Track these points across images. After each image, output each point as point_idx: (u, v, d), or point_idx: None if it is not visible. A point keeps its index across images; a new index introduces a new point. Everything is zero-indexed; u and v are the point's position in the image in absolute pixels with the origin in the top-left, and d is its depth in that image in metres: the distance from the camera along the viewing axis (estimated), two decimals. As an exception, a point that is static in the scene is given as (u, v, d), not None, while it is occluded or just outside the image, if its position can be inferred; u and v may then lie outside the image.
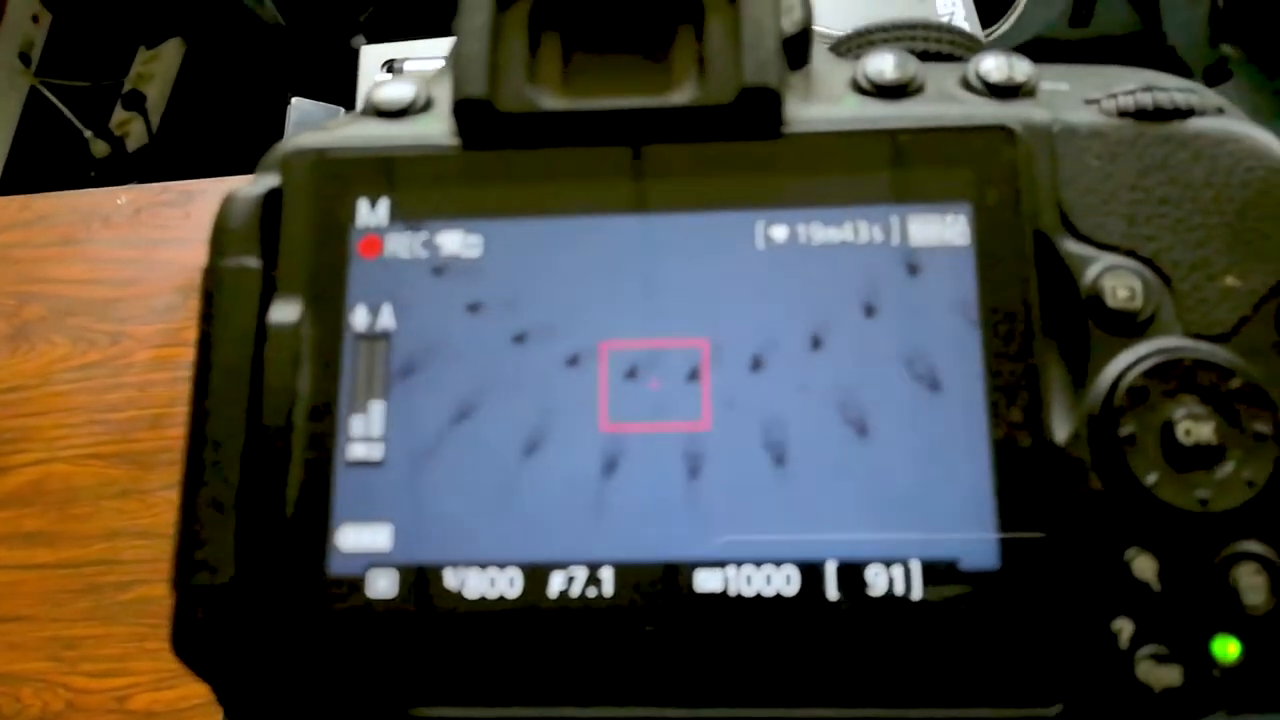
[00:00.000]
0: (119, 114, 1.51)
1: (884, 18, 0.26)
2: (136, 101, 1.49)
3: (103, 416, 0.76)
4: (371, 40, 0.92)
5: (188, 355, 0.73)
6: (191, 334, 0.73)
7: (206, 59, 1.57)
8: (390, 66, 0.78)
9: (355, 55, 0.88)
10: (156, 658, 0.68)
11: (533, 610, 0.20)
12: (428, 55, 0.81)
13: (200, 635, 0.20)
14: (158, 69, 1.53)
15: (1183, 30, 1.14)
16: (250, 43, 1.50)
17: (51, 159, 1.50)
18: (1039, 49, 0.24)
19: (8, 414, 0.77)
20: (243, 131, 1.48)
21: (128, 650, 0.68)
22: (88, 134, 1.48)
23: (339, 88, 0.90)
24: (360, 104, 0.82)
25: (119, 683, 0.67)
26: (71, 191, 0.87)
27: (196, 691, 0.66)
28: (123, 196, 0.84)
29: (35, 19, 1.56)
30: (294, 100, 0.81)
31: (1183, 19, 1.13)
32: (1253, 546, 0.20)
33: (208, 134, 1.52)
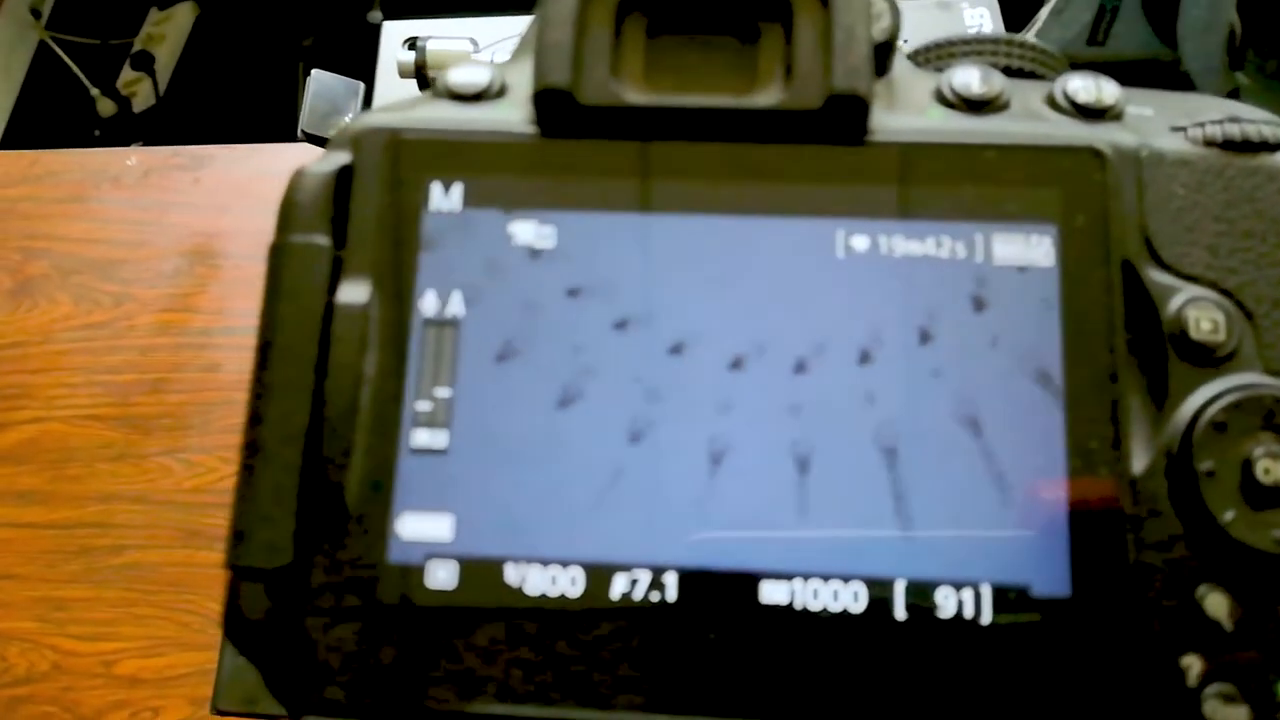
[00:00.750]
0: (127, 74, 1.50)
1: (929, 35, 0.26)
2: (145, 62, 1.47)
3: (102, 378, 0.75)
4: (389, 16, 0.91)
5: (191, 321, 0.72)
6: (196, 300, 0.71)
7: (218, 24, 1.55)
8: (413, 44, 0.77)
9: (371, 29, 0.87)
10: (145, 624, 0.67)
11: (594, 611, 0.20)
12: (448, 34, 0.80)
13: (254, 617, 0.20)
14: (168, 31, 1.52)
15: (1199, 57, 1.14)
16: (262, 10, 1.49)
17: (57, 115, 1.48)
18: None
19: (7, 370, 0.76)
20: (249, 99, 1.47)
21: (117, 615, 0.67)
22: (94, 92, 1.46)
23: (355, 60, 0.89)
24: (380, 79, 0.80)
25: (107, 647, 0.67)
26: (81, 149, 0.86)
27: (184, 660, 0.66)
28: (133, 157, 0.83)
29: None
30: (313, 72, 0.80)
31: (1199, 46, 1.13)
32: None
33: (215, 99, 1.51)
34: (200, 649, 0.66)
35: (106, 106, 1.46)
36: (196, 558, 0.69)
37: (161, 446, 0.73)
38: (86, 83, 1.47)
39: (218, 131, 0.90)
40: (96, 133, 1.44)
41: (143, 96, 1.48)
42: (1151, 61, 1.07)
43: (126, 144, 0.87)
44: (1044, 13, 0.95)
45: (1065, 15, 1.03)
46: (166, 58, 1.51)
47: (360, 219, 0.21)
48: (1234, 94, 1.04)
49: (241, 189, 0.81)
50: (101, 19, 1.52)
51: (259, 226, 0.76)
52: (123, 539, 0.70)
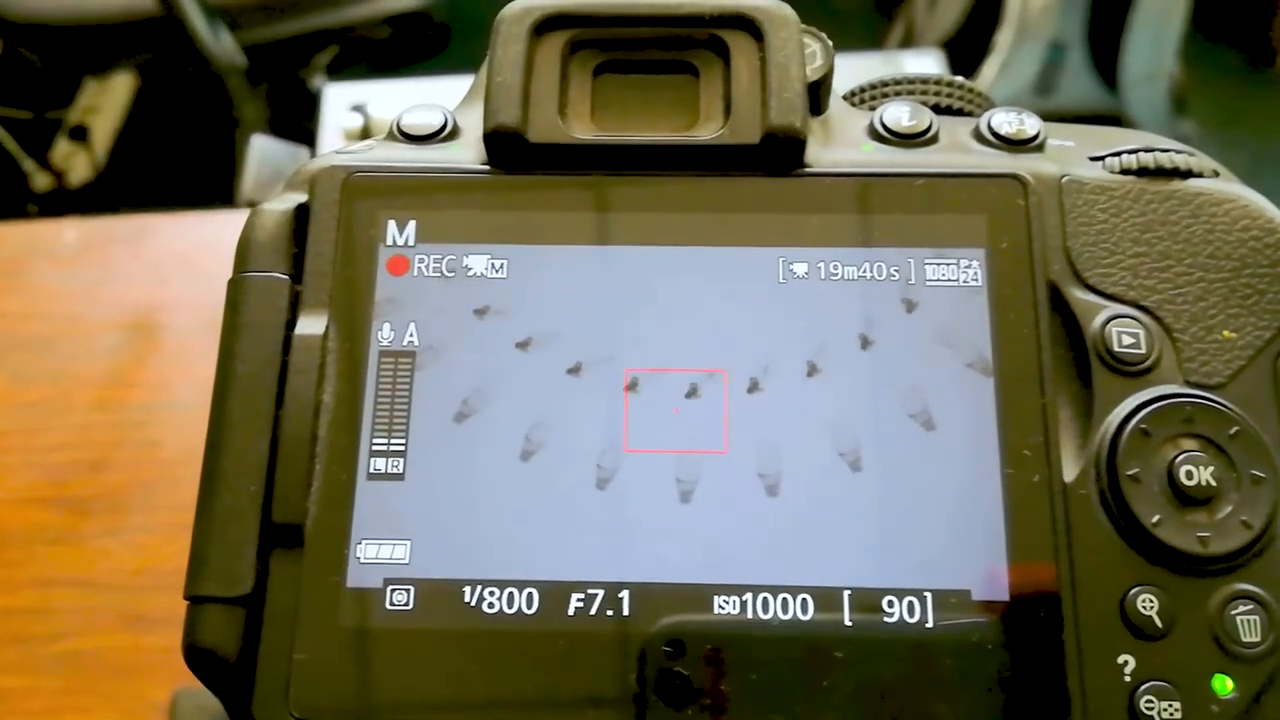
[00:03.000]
0: (62, 146, 1.51)
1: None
2: (81, 134, 1.48)
3: (40, 458, 0.75)
4: (331, 76, 0.93)
5: (131, 397, 0.72)
6: (136, 375, 0.72)
7: (156, 95, 1.57)
8: (357, 107, 0.79)
9: (308, 94, 0.89)
10: (87, 714, 0.66)
11: (550, 628, 0.21)
12: (389, 96, 0.82)
13: (214, 646, 0.21)
14: (104, 102, 1.53)
15: (1142, 105, 1.19)
16: (200, 80, 1.51)
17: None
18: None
19: (-60, 452, 0.75)
20: (189, 169, 1.48)
21: (57, 704, 0.66)
22: (29, 166, 1.47)
23: (293, 126, 0.90)
24: (322, 142, 0.82)
25: (46, 739, 0.66)
26: (15, 223, 0.86)
27: (124, 751, 0.65)
28: (70, 230, 0.84)
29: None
30: (254, 138, 0.82)
31: (1143, 94, 1.19)
32: (1248, 586, 0.21)
33: (152, 171, 1.52)
34: (145, 738, 0.65)
35: (41, 181, 1.46)
36: (140, 643, 0.69)
37: (101, 528, 0.73)
38: (19, 156, 1.47)
39: (157, 203, 0.91)
40: (33, 208, 1.44)
41: (79, 169, 1.49)
42: (1099, 117, 1.12)
43: (63, 218, 0.87)
44: (986, 67, 1.00)
45: (1012, 68, 1.08)
46: (103, 129, 1.52)
47: (317, 255, 0.23)
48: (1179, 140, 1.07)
49: (182, 260, 0.81)
50: (34, 91, 1.53)
51: (201, 298, 0.77)
52: (62, 625, 0.69)
